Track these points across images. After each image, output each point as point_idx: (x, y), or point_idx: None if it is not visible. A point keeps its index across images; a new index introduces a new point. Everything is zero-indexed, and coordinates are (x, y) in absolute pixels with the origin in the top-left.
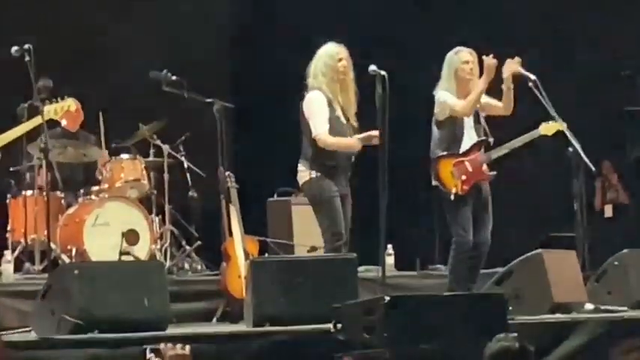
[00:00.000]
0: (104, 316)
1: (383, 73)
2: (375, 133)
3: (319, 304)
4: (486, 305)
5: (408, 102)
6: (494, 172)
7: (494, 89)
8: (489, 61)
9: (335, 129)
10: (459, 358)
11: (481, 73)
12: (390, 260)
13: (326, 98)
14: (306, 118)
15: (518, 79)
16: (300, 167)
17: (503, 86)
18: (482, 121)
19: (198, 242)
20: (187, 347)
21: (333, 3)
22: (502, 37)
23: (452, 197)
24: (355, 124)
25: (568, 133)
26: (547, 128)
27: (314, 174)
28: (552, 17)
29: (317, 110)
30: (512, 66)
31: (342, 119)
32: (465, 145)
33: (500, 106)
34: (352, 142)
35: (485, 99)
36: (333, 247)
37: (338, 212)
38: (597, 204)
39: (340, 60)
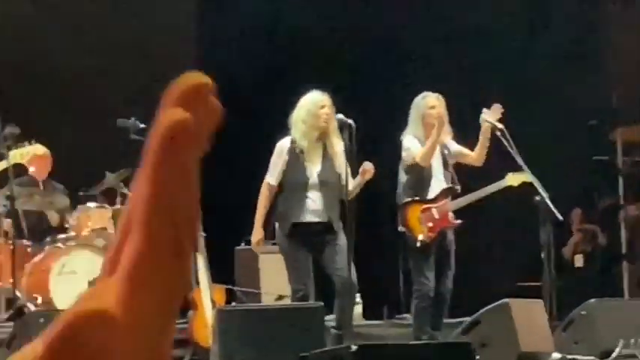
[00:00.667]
0: None
1: (350, 121)
2: (366, 165)
3: (286, 354)
4: (453, 354)
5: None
6: (460, 221)
7: (471, 138)
8: (434, 113)
9: (293, 179)
10: None
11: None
12: (357, 309)
13: (292, 146)
14: None
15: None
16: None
17: (481, 136)
18: (451, 168)
19: None
20: None
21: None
22: (469, 86)
23: (417, 244)
24: (341, 171)
25: (535, 181)
26: (513, 179)
27: (275, 224)
28: (518, 67)
29: (273, 159)
30: (493, 116)
31: (314, 169)
32: (433, 192)
33: (472, 156)
34: (262, 209)
35: (457, 147)
36: (294, 298)
37: (298, 266)
38: (567, 253)
39: (323, 107)
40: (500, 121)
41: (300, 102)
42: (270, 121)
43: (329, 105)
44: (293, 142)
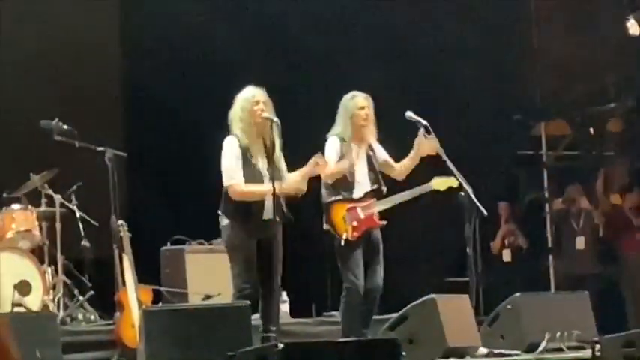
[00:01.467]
0: None
1: (275, 119)
2: (318, 157)
3: (213, 353)
4: (380, 351)
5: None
6: (385, 222)
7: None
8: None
9: (249, 177)
10: None
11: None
12: (284, 307)
13: (240, 144)
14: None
15: (404, 126)
16: (219, 212)
17: (412, 155)
18: (377, 169)
19: (91, 292)
20: None
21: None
22: (393, 84)
23: (342, 242)
24: (283, 166)
25: (458, 176)
26: (439, 183)
27: (225, 221)
28: (442, 62)
29: (228, 159)
30: (426, 150)
31: (260, 165)
32: (358, 192)
33: (396, 171)
34: (265, 189)
35: (384, 156)
36: (239, 295)
37: (250, 265)
38: (494, 248)
39: (257, 103)
40: (424, 118)
41: (236, 98)
42: (194, 121)
43: (264, 100)
44: (238, 139)
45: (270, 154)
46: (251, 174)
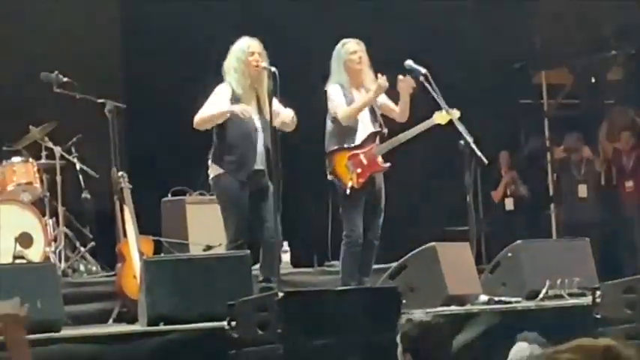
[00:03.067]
0: None
1: (273, 69)
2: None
3: (213, 302)
4: (380, 299)
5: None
6: (389, 164)
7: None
8: (381, 82)
9: (242, 126)
10: (353, 351)
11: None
12: (285, 257)
13: (234, 93)
14: None
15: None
16: (209, 162)
17: (400, 102)
18: (378, 112)
19: (92, 243)
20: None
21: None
22: (393, 31)
23: (347, 191)
24: (280, 109)
25: (459, 125)
26: (441, 117)
27: (217, 171)
28: (440, 12)
29: (210, 99)
30: (405, 89)
31: (253, 115)
32: (360, 137)
33: (396, 112)
34: (225, 109)
35: (383, 99)
36: (232, 246)
37: (243, 216)
38: (496, 196)
39: (252, 54)
40: (424, 66)
41: (231, 48)
42: (194, 71)
43: (258, 51)
44: (231, 88)
45: (262, 105)
46: (247, 124)
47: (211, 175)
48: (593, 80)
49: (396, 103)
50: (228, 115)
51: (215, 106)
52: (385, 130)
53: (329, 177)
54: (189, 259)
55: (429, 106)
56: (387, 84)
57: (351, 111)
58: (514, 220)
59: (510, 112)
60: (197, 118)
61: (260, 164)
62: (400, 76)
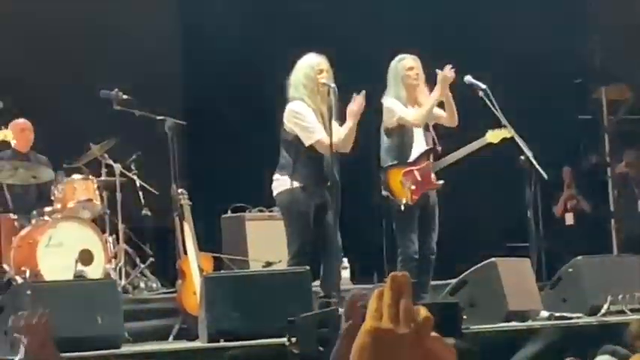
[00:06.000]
0: (57, 335)
1: (333, 85)
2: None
3: (273, 318)
4: (441, 314)
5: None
6: (442, 182)
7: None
8: (446, 73)
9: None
10: None
11: (433, 85)
12: (345, 274)
13: (310, 108)
14: (288, 129)
15: (463, 91)
16: (276, 177)
17: (444, 99)
18: (431, 129)
19: (151, 259)
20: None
21: (279, 21)
22: (453, 48)
23: (402, 207)
24: (332, 134)
25: (518, 140)
26: (494, 135)
27: (288, 185)
28: (502, 28)
29: (305, 119)
30: (447, 77)
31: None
32: (415, 154)
33: (444, 117)
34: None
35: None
36: (293, 262)
37: (304, 229)
38: (557, 211)
39: (321, 72)
40: (482, 81)
41: (298, 65)
42: (254, 88)
43: (326, 68)
44: (306, 104)
45: (325, 121)
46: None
47: (280, 190)
48: None
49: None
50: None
51: (319, 128)
52: (439, 148)
53: (383, 193)
54: (249, 275)
55: (489, 122)
56: (453, 74)
57: (423, 113)
58: (575, 235)
59: (570, 127)
60: (323, 142)
61: (331, 179)
62: (438, 70)
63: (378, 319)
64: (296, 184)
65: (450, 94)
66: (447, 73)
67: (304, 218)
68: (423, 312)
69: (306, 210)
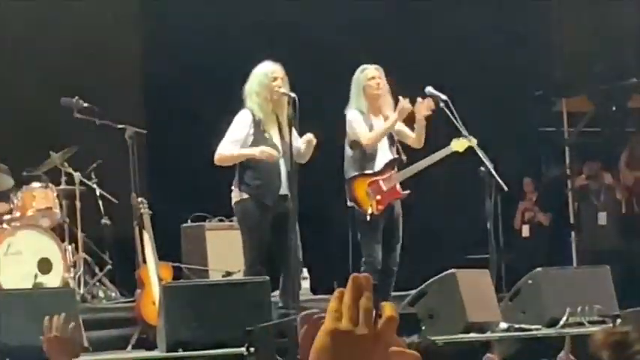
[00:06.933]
0: (15, 344)
1: (293, 95)
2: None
3: (232, 328)
4: (399, 325)
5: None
6: (408, 191)
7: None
8: (404, 105)
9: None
10: None
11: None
12: (305, 284)
13: (253, 118)
14: None
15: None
16: (233, 187)
17: (416, 125)
18: (396, 139)
19: (109, 267)
20: None
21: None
22: (414, 59)
23: (367, 218)
24: (295, 142)
25: (479, 151)
26: (459, 144)
27: (242, 195)
28: (462, 39)
29: (235, 131)
30: (424, 109)
31: (275, 139)
32: (379, 164)
33: (412, 138)
34: (249, 152)
35: (400, 126)
36: (249, 271)
37: (263, 241)
38: (516, 224)
39: (275, 79)
40: (445, 94)
41: (253, 72)
42: (214, 97)
43: (281, 76)
44: (252, 114)
45: (282, 130)
46: (268, 146)
47: (234, 200)
48: (613, 108)
49: (412, 129)
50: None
51: (236, 144)
52: (404, 157)
53: (349, 203)
54: (208, 284)
55: (450, 133)
56: (410, 106)
57: (374, 136)
58: (534, 247)
59: (531, 139)
60: (218, 155)
61: (285, 189)
62: (419, 99)
63: (338, 319)
64: (244, 195)
65: (424, 124)
66: (405, 104)
67: (256, 229)
68: (388, 311)
69: (257, 221)
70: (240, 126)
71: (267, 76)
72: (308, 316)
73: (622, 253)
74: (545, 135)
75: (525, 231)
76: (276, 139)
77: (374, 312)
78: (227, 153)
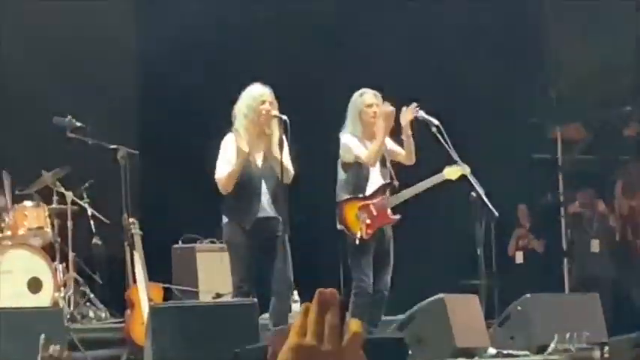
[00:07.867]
0: None
1: (284, 117)
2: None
3: (219, 350)
4: (386, 349)
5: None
6: (399, 216)
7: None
8: (386, 108)
9: (242, 173)
10: None
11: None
12: (295, 307)
13: (238, 141)
14: None
15: (416, 126)
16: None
17: (403, 136)
18: (388, 164)
19: (99, 283)
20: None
21: (241, 49)
22: (407, 83)
23: (356, 241)
24: (288, 163)
25: (471, 178)
26: (451, 172)
27: (225, 219)
28: (457, 65)
29: (222, 154)
30: (408, 114)
31: (259, 162)
32: (371, 188)
33: (402, 154)
34: (238, 157)
35: (391, 145)
36: (236, 293)
37: (248, 262)
38: (510, 250)
39: (264, 102)
40: (437, 118)
41: (242, 95)
42: (207, 120)
43: (270, 100)
44: (239, 135)
45: (268, 153)
46: (248, 170)
47: (223, 222)
48: (608, 136)
49: (402, 145)
50: (240, 166)
51: (228, 164)
52: (396, 183)
53: (339, 226)
54: (196, 306)
55: (442, 158)
56: (393, 109)
57: (374, 152)
58: (526, 274)
59: (526, 166)
60: (217, 180)
61: (270, 211)
62: (404, 107)
63: (302, 335)
64: (226, 218)
65: (410, 133)
66: (387, 108)
67: (238, 251)
68: (353, 327)
69: (239, 243)
70: (229, 146)
71: (255, 100)
72: (278, 331)
73: (614, 281)
74: (540, 162)
75: (519, 257)
76: (260, 162)
77: (340, 328)
78: (225, 174)
